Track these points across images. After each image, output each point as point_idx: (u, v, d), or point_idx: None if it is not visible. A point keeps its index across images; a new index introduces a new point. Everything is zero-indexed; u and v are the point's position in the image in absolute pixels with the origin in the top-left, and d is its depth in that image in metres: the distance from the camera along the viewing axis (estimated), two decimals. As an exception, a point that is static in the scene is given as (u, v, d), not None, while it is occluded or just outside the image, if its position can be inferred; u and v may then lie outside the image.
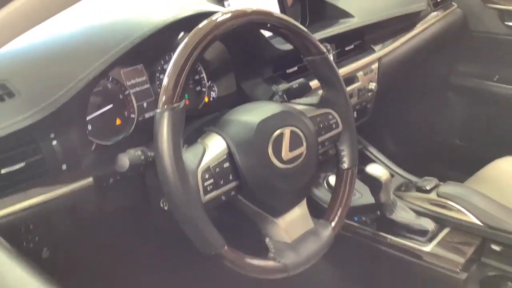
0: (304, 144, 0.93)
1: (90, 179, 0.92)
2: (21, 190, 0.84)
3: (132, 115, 1.04)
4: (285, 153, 0.90)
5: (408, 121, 1.96)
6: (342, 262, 1.33)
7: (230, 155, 0.87)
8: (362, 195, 1.34)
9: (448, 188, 1.30)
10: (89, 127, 0.96)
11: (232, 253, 0.84)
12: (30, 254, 0.80)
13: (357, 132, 1.55)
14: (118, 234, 1.07)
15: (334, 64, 1.02)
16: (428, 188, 1.32)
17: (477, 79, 1.91)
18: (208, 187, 0.82)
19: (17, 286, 0.54)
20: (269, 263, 0.89)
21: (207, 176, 0.82)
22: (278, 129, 0.90)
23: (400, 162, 1.55)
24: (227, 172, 0.86)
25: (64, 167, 0.88)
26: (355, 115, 1.47)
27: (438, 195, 1.29)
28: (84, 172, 0.91)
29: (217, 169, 0.84)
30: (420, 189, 1.33)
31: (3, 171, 0.81)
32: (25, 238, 0.87)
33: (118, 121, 1.02)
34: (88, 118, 0.96)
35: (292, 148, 0.91)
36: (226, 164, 0.86)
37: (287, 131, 0.91)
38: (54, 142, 0.87)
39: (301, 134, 0.93)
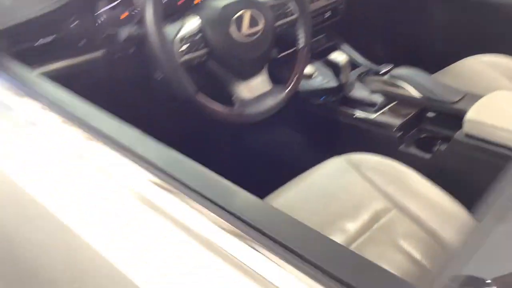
0: (262, 23, 1.21)
1: (100, 52, 1.24)
2: (53, 59, 1.18)
3: (134, 12, 1.33)
4: (245, 29, 1.19)
5: (387, 20, 2.11)
6: (311, 129, 1.64)
7: (202, 30, 1.17)
8: (329, 81, 1.62)
9: (399, 70, 1.55)
10: (101, 18, 1.27)
11: (204, 99, 1.16)
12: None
13: (333, 30, 1.80)
14: (125, 97, 1.40)
15: None
16: (383, 71, 1.59)
17: None
18: (184, 51, 1.14)
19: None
20: (234, 111, 1.21)
21: (182, 43, 1.13)
22: (239, 11, 1.19)
23: (373, 56, 1.79)
24: (199, 42, 1.16)
25: (82, 42, 1.21)
26: (329, 14, 1.72)
27: (391, 76, 1.55)
28: (97, 47, 1.24)
29: (190, 39, 1.15)
30: (377, 73, 1.60)
31: (39, 42, 1.14)
32: None
33: (122, 16, 1.32)
34: (100, 11, 1.26)
35: (251, 26, 1.20)
36: (199, 35, 1.16)
37: (247, 13, 1.19)
38: (75, 23, 1.19)
39: (259, 15, 1.21)
